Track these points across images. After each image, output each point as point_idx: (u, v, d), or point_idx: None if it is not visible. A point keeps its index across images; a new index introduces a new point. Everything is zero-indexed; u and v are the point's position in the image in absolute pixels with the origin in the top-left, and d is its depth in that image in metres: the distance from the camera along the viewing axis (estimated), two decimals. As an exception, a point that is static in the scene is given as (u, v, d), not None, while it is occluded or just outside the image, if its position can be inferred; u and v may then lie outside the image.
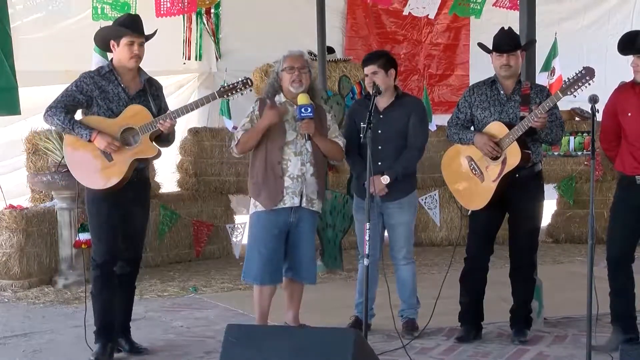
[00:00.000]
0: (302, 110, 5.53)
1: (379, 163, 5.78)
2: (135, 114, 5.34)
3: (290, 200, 5.60)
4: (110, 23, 7.46)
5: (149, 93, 5.45)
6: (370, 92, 5.64)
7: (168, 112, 5.42)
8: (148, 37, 5.44)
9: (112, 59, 5.48)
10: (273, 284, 5.73)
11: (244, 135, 5.64)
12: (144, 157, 5.41)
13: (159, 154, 5.48)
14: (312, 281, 5.86)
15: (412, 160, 5.90)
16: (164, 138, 5.49)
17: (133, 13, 8.47)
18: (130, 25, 5.39)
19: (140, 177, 5.47)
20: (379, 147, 5.79)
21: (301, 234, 5.70)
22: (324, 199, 5.89)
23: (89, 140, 5.23)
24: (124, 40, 5.33)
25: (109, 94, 5.34)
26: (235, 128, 9.77)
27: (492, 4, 10.80)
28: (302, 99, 5.58)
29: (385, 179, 5.77)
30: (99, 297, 5.40)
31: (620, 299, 5.50)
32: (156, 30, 5.55)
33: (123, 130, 5.31)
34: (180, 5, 8.95)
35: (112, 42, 5.39)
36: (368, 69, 5.83)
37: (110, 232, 5.36)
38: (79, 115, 5.43)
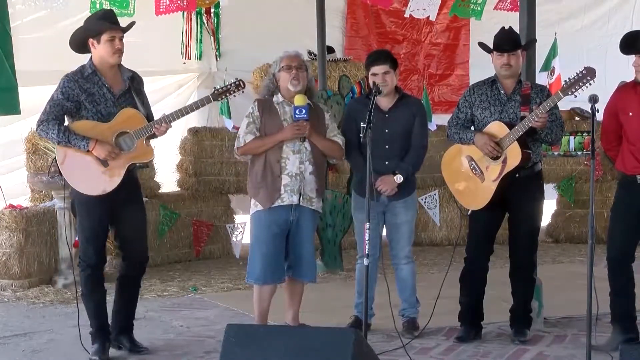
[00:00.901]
0: (297, 111, 5.57)
1: (386, 162, 5.80)
2: (128, 118, 5.29)
3: (288, 198, 5.61)
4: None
5: (133, 89, 5.39)
6: (378, 89, 5.61)
7: (163, 115, 5.36)
8: (125, 30, 5.36)
9: (90, 58, 5.36)
10: (275, 282, 5.73)
11: (254, 141, 5.64)
12: (140, 161, 5.40)
13: (153, 158, 5.48)
14: (312, 279, 5.87)
15: (420, 159, 5.92)
16: (152, 135, 5.45)
17: (132, 10, 8.52)
18: (109, 19, 5.32)
19: (129, 177, 5.39)
20: (386, 147, 5.81)
21: (301, 232, 5.71)
22: (323, 198, 5.89)
23: (88, 151, 5.18)
24: (104, 37, 5.24)
25: (95, 96, 5.27)
26: (235, 128, 9.81)
27: (493, 7, 10.82)
28: (299, 99, 5.60)
29: (399, 178, 5.79)
30: (92, 298, 5.40)
31: (620, 299, 5.50)
32: (133, 23, 5.45)
33: (117, 135, 5.27)
34: (179, 2, 8.96)
35: (90, 40, 5.27)
36: (379, 68, 5.80)
37: (101, 234, 5.35)
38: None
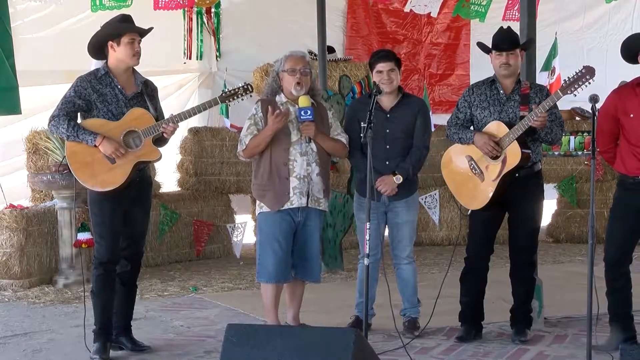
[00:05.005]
0: (302, 113, 5.58)
1: (387, 162, 5.81)
2: (137, 117, 5.36)
3: (298, 201, 5.61)
4: (107, 14, 7.48)
5: (145, 94, 5.47)
6: (379, 89, 5.61)
7: (171, 115, 5.44)
8: (143, 34, 5.45)
9: (106, 61, 5.45)
10: (285, 281, 5.74)
11: (252, 140, 5.64)
12: (146, 160, 5.44)
13: (160, 157, 5.51)
14: (317, 279, 5.88)
15: (421, 160, 5.92)
16: (160, 140, 5.51)
17: (129, 2, 8.57)
18: (130, 22, 5.43)
19: (142, 176, 5.50)
20: (387, 147, 5.82)
21: (308, 232, 5.72)
22: (330, 198, 5.89)
23: (95, 146, 5.24)
24: (125, 39, 5.34)
25: (107, 97, 5.35)
26: (232, 127, 9.82)
27: (501, 17, 10.88)
28: (303, 101, 5.60)
29: (398, 179, 5.79)
30: (100, 296, 5.42)
31: (618, 299, 5.48)
32: (151, 28, 5.54)
33: (125, 133, 5.33)
34: None
35: (110, 43, 5.36)
36: (384, 66, 5.81)
37: (113, 232, 5.38)
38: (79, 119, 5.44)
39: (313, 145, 5.65)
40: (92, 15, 9.22)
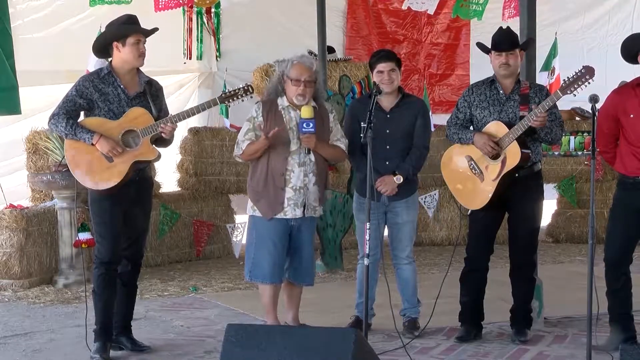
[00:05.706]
0: (304, 125, 5.53)
1: (387, 162, 5.81)
2: (137, 117, 5.36)
3: (291, 212, 5.60)
4: (107, 14, 7.47)
5: (149, 94, 5.47)
6: (379, 89, 5.60)
7: (169, 116, 5.45)
8: (148, 35, 5.46)
9: (110, 61, 5.46)
10: (280, 282, 5.74)
11: (249, 147, 5.62)
12: (144, 159, 5.44)
13: (158, 157, 5.51)
14: (310, 283, 5.88)
15: (421, 160, 5.92)
16: (163, 140, 5.51)
17: (129, 1, 8.58)
18: (135, 23, 5.44)
19: (142, 176, 5.50)
20: (387, 147, 5.82)
21: (302, 237, 5.71)
22: (324, 202, 5.88)
23: (92, 144, 5.25)
24: (130, 40, 5.34)
25: (109, 96, 5.36)
26: (232, 127, 9.82)
27: (500, 17, 10.89)
28: (305, 112, 5.55)
29: (399, 179, 5.79)
30: (101, 296, 5.42)
31: (618, 299, 5.49)
32: (156, 28, 5.55)
33: (124, 132, 5.33)
34: None
35: (115, 43, 5.36)
36: (385, 66, 5.80)
37: (114, 231, 5.38)
38: (82, 117, 5.44)
39: (312, 155, 5.62)
40: (92, 15, 9.22)
